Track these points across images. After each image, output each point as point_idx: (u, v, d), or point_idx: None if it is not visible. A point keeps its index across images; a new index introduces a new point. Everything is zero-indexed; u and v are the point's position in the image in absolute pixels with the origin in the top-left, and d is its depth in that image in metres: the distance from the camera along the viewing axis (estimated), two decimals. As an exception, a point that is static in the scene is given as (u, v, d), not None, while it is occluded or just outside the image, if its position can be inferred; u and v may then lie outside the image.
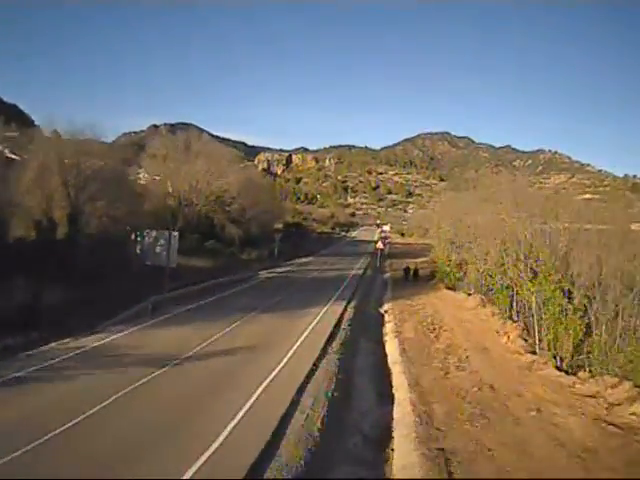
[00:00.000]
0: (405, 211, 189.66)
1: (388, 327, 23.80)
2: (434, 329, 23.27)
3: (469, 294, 31.72)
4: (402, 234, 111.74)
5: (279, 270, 42.01)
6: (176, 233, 28.16)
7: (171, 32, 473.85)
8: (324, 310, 24.64)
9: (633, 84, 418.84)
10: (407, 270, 41.60)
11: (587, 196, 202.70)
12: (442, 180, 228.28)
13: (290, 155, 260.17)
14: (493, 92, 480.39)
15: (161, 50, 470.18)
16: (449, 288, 36.09)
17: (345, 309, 25.64)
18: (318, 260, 54.63)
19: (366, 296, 32.11)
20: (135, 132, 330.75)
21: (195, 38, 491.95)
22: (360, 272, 44.84)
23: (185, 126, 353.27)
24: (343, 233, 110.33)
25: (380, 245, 55.44)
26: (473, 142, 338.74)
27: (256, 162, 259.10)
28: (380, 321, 25.40)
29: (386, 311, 27.71)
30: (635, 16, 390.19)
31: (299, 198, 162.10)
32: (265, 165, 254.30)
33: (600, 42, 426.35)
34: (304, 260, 53.63)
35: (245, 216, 52.01)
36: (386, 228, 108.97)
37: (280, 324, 20.92)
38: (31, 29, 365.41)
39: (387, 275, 46.14)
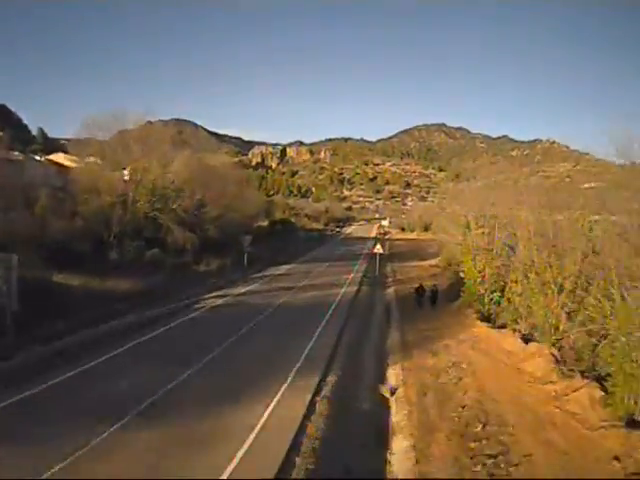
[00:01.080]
0: (404, 204, 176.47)
1: (399, 455, 10.98)
2: (498, 460, 10.52)
3: (525, 337, 18.92)
4: (402, 229, 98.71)
5: (237, 291, 28.90)
6: (14, 256, 15.47)
7: (164, 28, 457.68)
8: (260, 424, 11.07)
9: (630, 70, 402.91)
10: (420, 292, 27.89)
11: (593, 184, 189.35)
12: (441, 170, 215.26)
13: (284, 148, 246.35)
14: (488, 82, 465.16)
15: (155, 47, 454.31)
16: (484, 319, 23.36)
17: (312, 403, 12.66)
18: (300, 269, 41.48)
19: (358, 349, 18.99)
20: (129, 130, 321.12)
21: (188, 34, 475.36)
22: (353, 290, 31.63)
23: (180, 122, 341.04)
24: (338, 229, 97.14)
25: (378, 248, 42.05)
26: (469, 133, 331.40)
27: (250, 156, 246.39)
28: (381, 429, 12.53)
29: (394, 391, 14.85)
30: (633, 7, 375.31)
31: (292, 192, 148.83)
32: (259, 159, 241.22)
33: (597, 29, 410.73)
34: (282, 269, 40.70)
35: (203, 215, 39.04)
36: (385, 223, 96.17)
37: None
38: (21, 26, 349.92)
39: (390, 291, 33.24)
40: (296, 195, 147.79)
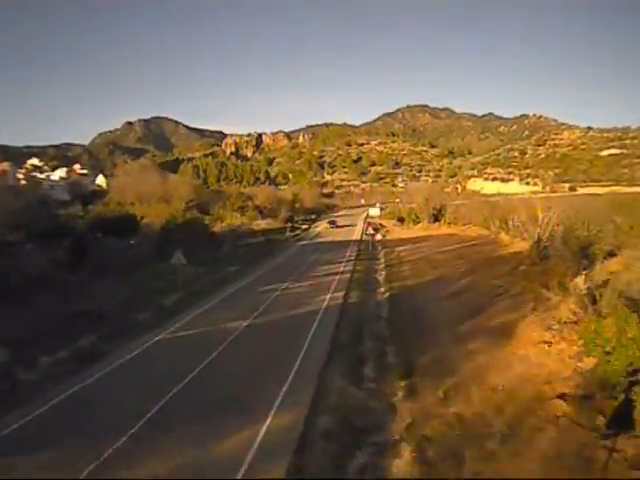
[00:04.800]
0: (394, 185, 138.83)
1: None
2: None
3: None
4: (401, 219, 61.13)
5: None
6: None
7: (139, 26, 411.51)
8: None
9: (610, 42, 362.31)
10: None
11: (612, 151, 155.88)
12: (433, 147, 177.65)
13: (260, 135, 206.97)
14: (471, 62, 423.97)
15: (134, 47, 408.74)
16: None
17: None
18: None
19: None
20: (110, 131, 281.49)
21: (168, 32, 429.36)
22: None
23: (160, 120, 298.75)
24: (305, 226, 59.31)
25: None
26: (454, 113, 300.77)
27: (223, 146, 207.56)
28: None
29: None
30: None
31: (258, 178, 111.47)
32: (233, 148, 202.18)
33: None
34: None
35: None
36: (374, 212, 58.05)
37: None
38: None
39: None
40: (264, 182, 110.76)
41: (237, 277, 26.77)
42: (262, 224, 52.48)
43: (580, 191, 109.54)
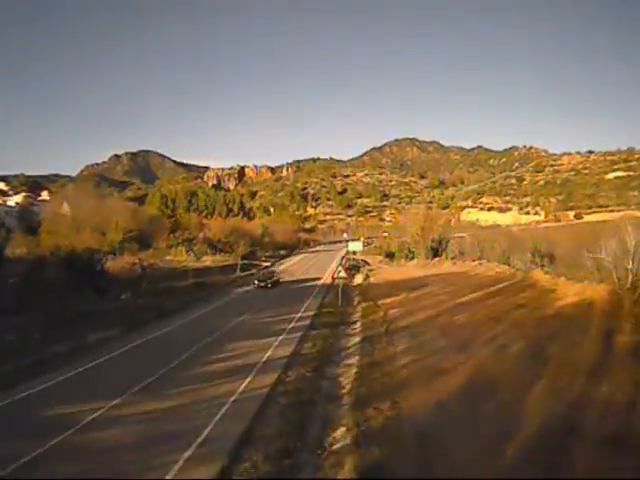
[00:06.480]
0: (382, 219, 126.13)
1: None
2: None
3: None
4: (389, 255, 47.73)
5: None
6: None
7: (130, 59, 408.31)
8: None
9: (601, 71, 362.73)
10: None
11: (619, 174, 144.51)
12: (422, 177, 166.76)
13: (243, 168, 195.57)
14: (459, 95, 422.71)
15: (123, 80, 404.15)
16: None
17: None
18: None
19: None
20: (97, 163, 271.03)
21: (155, 65, 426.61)
22: None
23: (147, 153, 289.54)
24: (268, 264, 45.37)
25: None
26: (442, 146, 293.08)
27: (205, 179, 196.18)
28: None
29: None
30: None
31: (231, 210, 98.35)
32: (215, 181, 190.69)
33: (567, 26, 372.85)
34: None
35: None
36: (355, 247, 43.62)
37: None
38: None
39: None
40: (237, 215, 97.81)
41: (69, 361, 13.00)
42: (208, 260, 38.95)
43: (587, 219, 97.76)
